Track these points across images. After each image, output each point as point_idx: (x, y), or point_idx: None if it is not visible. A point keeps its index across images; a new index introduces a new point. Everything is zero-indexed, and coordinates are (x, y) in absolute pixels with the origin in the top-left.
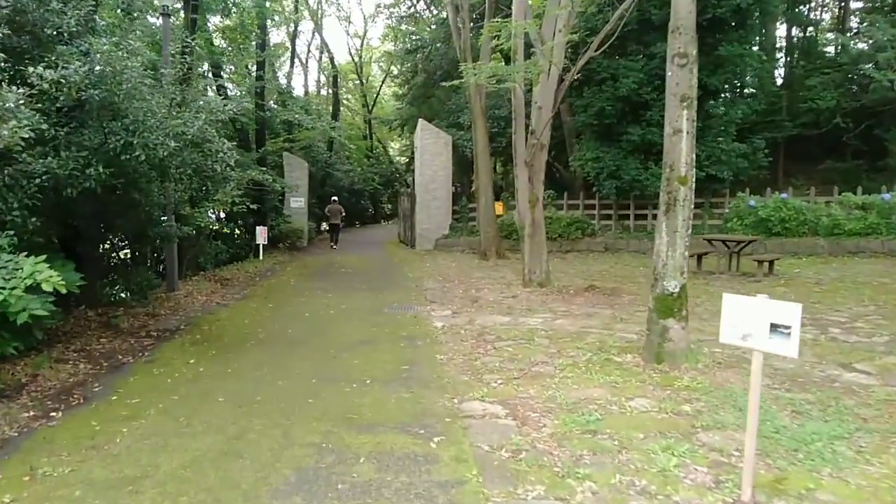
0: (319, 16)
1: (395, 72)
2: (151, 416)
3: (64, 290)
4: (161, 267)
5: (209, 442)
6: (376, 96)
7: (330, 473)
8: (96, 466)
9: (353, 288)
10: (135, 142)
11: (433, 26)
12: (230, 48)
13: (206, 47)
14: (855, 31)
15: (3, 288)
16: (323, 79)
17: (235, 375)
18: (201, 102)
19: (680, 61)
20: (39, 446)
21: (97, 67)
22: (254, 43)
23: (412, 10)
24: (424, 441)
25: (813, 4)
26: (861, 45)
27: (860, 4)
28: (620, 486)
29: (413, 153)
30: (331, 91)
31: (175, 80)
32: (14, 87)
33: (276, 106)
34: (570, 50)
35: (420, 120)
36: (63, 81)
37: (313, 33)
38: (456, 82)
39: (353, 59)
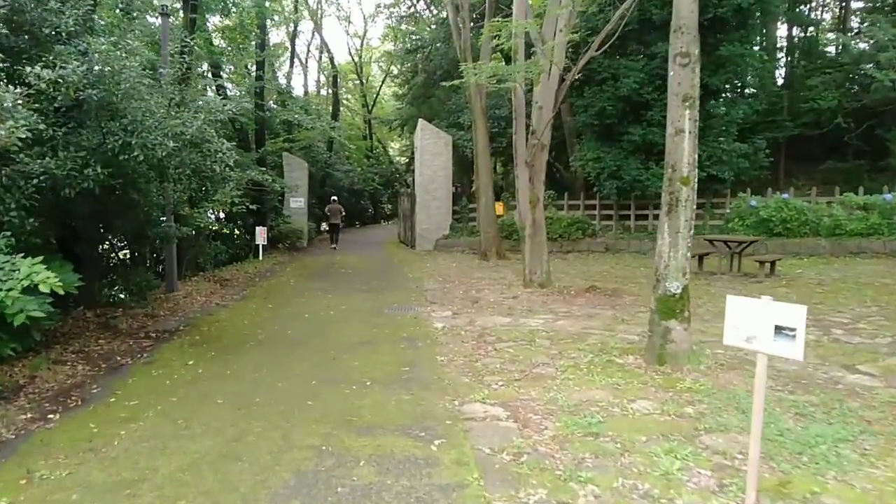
0: (319, 16)
1: (395, 72)
2: (150, 418)
3: (61, 292)
4: (160, 267)
5: (208, 444)
6: (376, 96)
7: (330, 477)
8: (94, 469)
9: (353, 288)
10: (133, 142)
11: (433, 26)
12: (230, 48)
13: (205, 47)
14: (856, 31)
15: (0, 289)
16: (323, 79)
17: (235, 377)
18: (200, 102)
19: (682, 61)
20: (37, 449)
21: (95, 67)
22: (253, 43)
23: (412, 9)
24: (425, 444)
25: (813, 4)
26: (862, 45)
27: (861, 4)
28: (623, 490)
29: (413, 153)
30: (331, 91)
31: (174, 79)
32: (11, 87)
33: (275, 106)
34: (570, 50)
35: (420, 120)
36: (61, 81)
37: (313, 33)
38: (456, 82)
39: (352, 59)
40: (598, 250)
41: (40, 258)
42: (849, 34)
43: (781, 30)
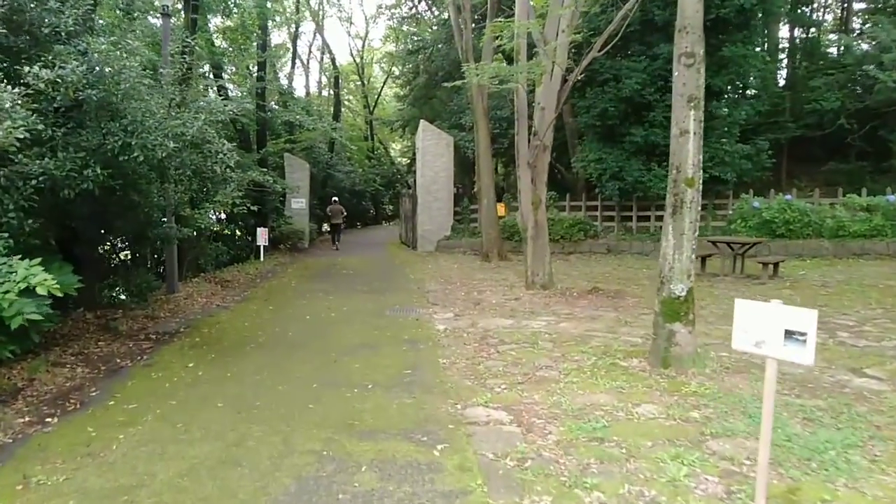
0: (321, 17)
1: (397, 73)
2: (149, 421)
3: (59, 294)
4: (161, 268)
5: (207, 449)
6: (377, 97)
7: (331, 482)
8: (91, 474)
9: (355, 290)
10: (133, 142)
11: (435, 27)
12: (231, 49)
13: (206, 48)
14: (858, 32)
15: None
16: (324, 80)
17: (235, 379)
18: (201, 103)
19: (687, 61)
20: (34, 453)
21: (95, 67)
22: (255, 44)
23: (413, 11)
24: (427, 449)
25: (815, 5)
26: (864, 46)
27: (863, 5)
28: (629, 497)
29: (414, 154)
30: (332, 92)
31: (174, 80)
32: (9, 87)
33: (277, 107)
34: (573, 50)
35: (421, 121)
36: (60, 81)
37: (314, 34)
38: (458, 83)
39: (354, 60)
40: (599, 251)
41: (38, 260)
42: (851, 35)
43: (783, 31)
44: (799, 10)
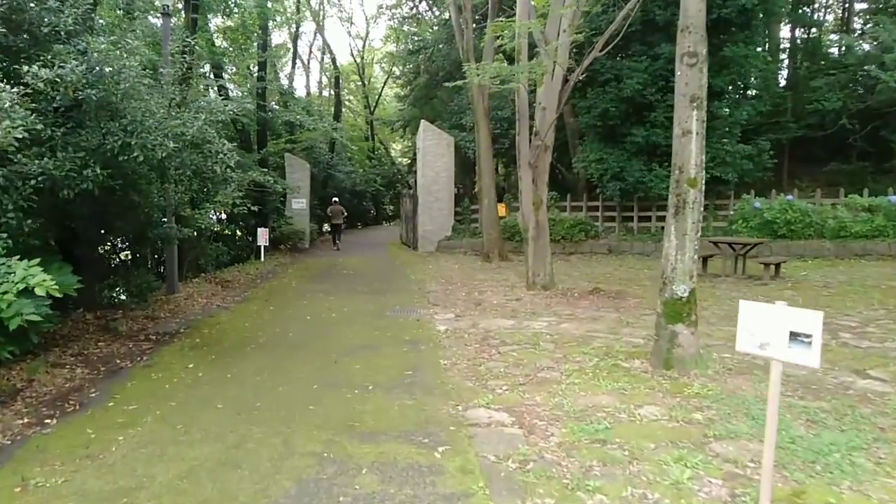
0: (321, 17)
1: (398, 73)
2: (148, 423)
3: (58, 294)
4: (161, 269)
5: (207, 451)
6: (378, 97)
7: (331, 485)
8: (90, 477)
9: (355, 290)
10: (133, 142)
11: (435, 27)
12: (232, 49)
13: (207, 48)
14: (859, 32)
15: None
16: (325, 80)
17: (235, 381)
18: (202, 103)
19: (689, 60)
20: (32, 455)
21: (95, 67)
22: (255, 44)
23: (414, 10)
24: (429, 451)
25: (816, 5)
26: (866, 46)
27: (864, 6)
28: (632, 500)
29: (415, 154)
30: (333, 92)
31: (175, 80)
32: (8, 87)
33: (277, 107)
34: (574, 50)
35: (422, 121)
36: (59, 80)
37: (315, 34)
38: (459, 83)
39: (354, 60)
40: (600, 252)
41: (37, 260)
42: (852, 35)
43: (784, 31)
44: (800, 11)
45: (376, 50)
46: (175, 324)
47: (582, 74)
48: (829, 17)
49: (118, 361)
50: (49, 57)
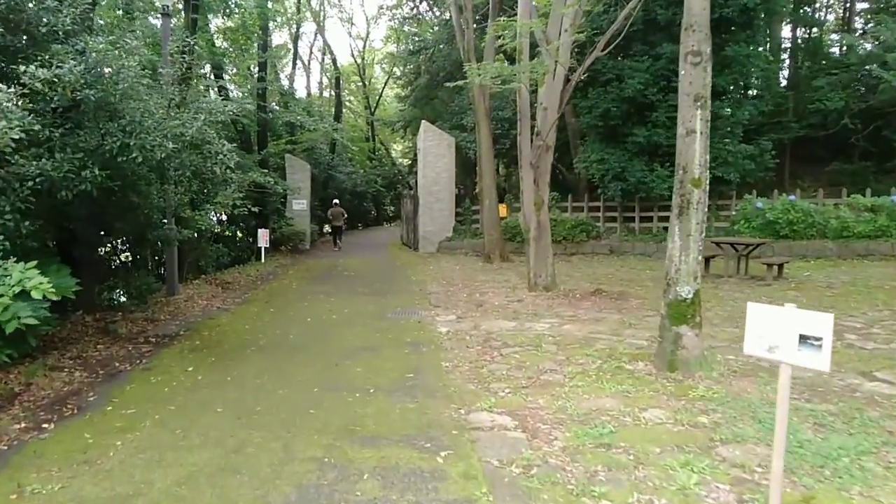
0: (322, 17)
1: (398, 73)
2: (147, 427)
3: (55, 297)
4: (161, 270)
5: (206, 456)
6: (379, 98)
7: (332, 491)
8: (87, 483)
9: (356, 292)
10: (132, 143)
11: (436, 27)
12: (232, 49)
13: (207, 48)
14: (861, 31)
15: None
16: (325, 80)
17: (235, 384)
18: (202, 104)
19: (693, 59)
20: (29, 461)
21: (93, 67)
22: (256, 44)
23: (415, 11)
24: (431, 455)
25: (818, 5)
26: (867, 46)
27: (865, 5)
28: None
29: (416, 155)
30: (333, 93)
31: (174, 80)
32: (5, 87)
33: (278, 107)
34: (576, 50)
35: (423, 122)
36: (57, 81)
37: (315, 35)
38: (459, 83)
39: (355, 61)
40: (602, 252)
41: (34, 263)
42: (854, 35)
43: (786, 31)
44: (801, 10)
45: (377, 50)
46: (175, 326)
47: (583, 74)
48: (831, 17)
49: (117, 364)
50: (47, 57)
